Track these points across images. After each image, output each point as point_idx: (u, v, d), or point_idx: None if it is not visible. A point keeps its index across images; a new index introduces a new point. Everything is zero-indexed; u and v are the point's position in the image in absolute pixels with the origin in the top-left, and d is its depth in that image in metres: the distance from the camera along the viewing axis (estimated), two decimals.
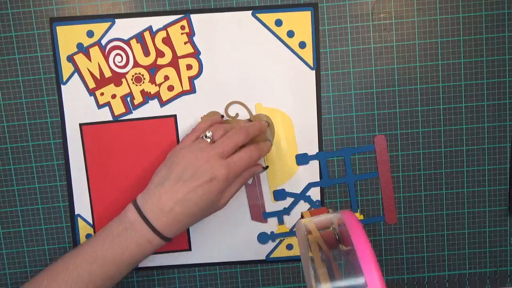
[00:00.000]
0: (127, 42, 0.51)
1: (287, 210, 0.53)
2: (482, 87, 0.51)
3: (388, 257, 0.54)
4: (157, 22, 0.50)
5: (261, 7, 0.50)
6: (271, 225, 0.53)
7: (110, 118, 0.52)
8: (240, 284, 0.54)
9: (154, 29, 0.51)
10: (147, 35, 0.51)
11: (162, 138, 0.52)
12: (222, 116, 0.50)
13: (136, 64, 0.51)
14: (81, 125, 0.52)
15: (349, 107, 0.52)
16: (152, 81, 0.51)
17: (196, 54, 0.51)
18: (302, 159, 0.52)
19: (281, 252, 0.54)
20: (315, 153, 0.52)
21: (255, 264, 0.54)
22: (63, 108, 0.51)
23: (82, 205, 0.52)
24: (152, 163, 0.52)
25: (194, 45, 0.51)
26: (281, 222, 0.53)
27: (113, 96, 0.51)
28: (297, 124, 0.52)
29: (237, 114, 0.51)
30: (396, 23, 0.51)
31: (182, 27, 0.51)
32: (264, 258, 0.54)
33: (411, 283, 0.54)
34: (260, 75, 0.51)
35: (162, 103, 0.52)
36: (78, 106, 0.51)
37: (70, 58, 0.51)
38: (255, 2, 0.50)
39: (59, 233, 0.53)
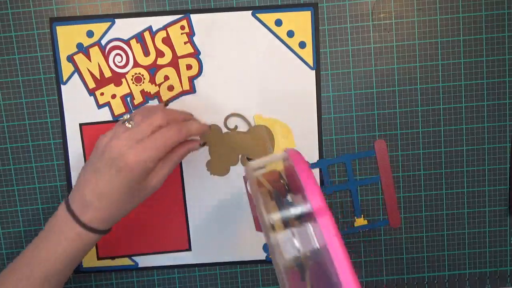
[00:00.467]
0: (127, 42, 0.51)
1: None
2: (482, 87, 0.51)
3: (388, 257, 0.54)
4: (157, 22, 0.50)
5: (261, 7, 0.50)
6: None
7: (110, 118, 0.52)
8: (240, 284, 0.54)
9: (154, 29, 0.51)
10: (147, 35, 0.51)
11: None
12: (166, 104, 0.47)
13: (136, 64, 0.51)
14: (81, 125, 0.52)
15: (349, 107, 0.52)
16: (152, 81, 0.51)
17: (196, 54, 0.51)
18: None
19: None
20: (316, 161, 0.52)
21: (255, 264, 0.54)
22: (63, 108, 0.51)
23: None
24: None
25: (194, 45, 0.51)
26: None
27: (113, 96, 0.51)
28: (297, 127, 0.52)
29: (236, 127, 0.51)
30: (396, 23, 0.51)
31: (182, 27, 0.51)
32: (264, 258, 0.54)
33: (411, 283, 0.54)
34: (260, 76, 0.51)
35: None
36: (78, 106, 0.51)
37: (70, 58, 0.51)
38: (255, 2, 0.50)
39: None
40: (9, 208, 0.52)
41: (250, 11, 0.50)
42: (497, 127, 0.52)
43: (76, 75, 0.51)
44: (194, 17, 0.51)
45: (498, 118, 0.52)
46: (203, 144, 0.48)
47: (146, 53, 0.51)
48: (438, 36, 0.51)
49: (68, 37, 0.51)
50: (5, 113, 0.51)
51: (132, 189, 0.41)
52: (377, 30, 0.51)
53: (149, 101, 0.51)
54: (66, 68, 0.51)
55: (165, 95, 0.51)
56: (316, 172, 0.52)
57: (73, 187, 0.44)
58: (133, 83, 0.51)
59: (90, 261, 0.53)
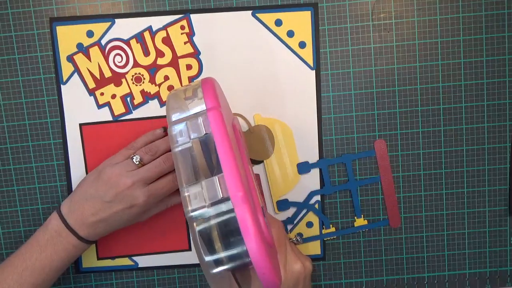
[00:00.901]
0: (127, 42, 0.51)
1: (291, 220, 0.53)
2: (482, 87, 0.51)
3: (388, 257, 0.54)
4: (157, 22, 0.50)
5: (261, 7, 0.50)
6: None
7: (110, 118, 0.52)
8: None
9: (154, 29, 0.51)
10: (147, 35, 0.51)
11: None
12: (165, 130, 0.50)
13: (136, 64, 0.51)
14: (81, 125, 0.52)
15: (349, 107, 0.52)
16: (152, 81, 0.51)
17: (196, 54, 0.51)
18: (304, 167, 0.52)
19: None
20: (316, 161, 0.52)
21: None
22: (63, 108, 0.51)
23: None
24: None
25: (194, 45, 0.51)
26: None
27: (113, 96, 0.51)
28: (297, 127, 0.52)
29: None
30: (396, 23, 0.51)
31: (182, 27, 0.51)
32: None
33: (411, 283, 0.54)
34: (260, 75, 0.51)
35: (162, 103, 0.52)
36: (78, 106, 0.51)
37: (70, 58, 0.51)
38: (255, 2, 0.50)
39: None
40: (9, 208, 0.52)
41: (250, 11, 0.50)
42: (497, 127, 0.52)
43: (76, 75, 0.51)
44: (194, 17, 0.51)
45: (498, 118, 0.52)
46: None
47: (146, 53, 0.51)
48: (438, 36, 0.51)
49: (68, 37, 0.51)
50: (5, 113, 0.51)
51: (131, 220, 0.47)
52: (377, 30, 0.51)
53: (149, 101, 0.51)
54: (66, 68, 0.51)
55: (165, 95, 0.51)
56: (316, 172, 0.52)
57: (68, 198, 0.47)
58: (133, 83, 0.51)
59: (90, 261, 0.53)
